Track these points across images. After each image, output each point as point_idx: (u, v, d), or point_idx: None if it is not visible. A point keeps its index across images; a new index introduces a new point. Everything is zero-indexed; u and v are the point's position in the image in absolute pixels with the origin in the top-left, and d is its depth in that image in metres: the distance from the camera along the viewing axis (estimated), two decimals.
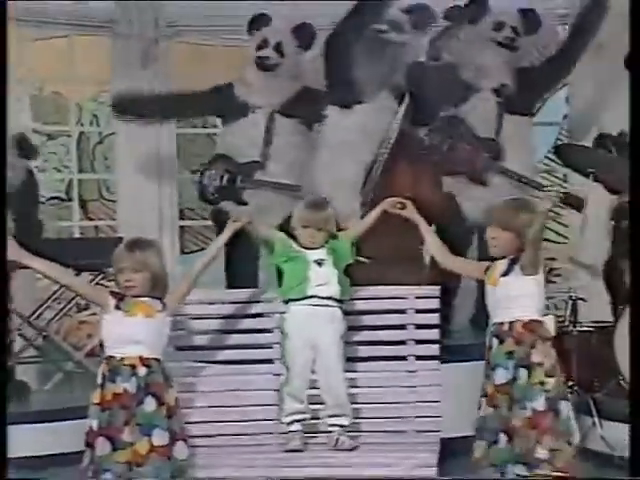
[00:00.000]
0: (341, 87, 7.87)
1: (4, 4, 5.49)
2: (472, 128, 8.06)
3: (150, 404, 4.69)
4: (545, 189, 8.38)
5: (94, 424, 4.70)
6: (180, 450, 4.72)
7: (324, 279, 5.16)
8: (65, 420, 7.02)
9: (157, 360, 4.76)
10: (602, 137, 7.93)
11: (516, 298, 4.92)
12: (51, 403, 7.56)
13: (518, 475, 4.84)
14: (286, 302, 5.21)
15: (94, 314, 9.23)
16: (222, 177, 8.04)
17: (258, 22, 8.14)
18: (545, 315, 5.05)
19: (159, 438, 4.66)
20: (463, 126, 8.10)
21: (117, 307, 4.79)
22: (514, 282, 4.92)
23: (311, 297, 5.14)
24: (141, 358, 4.72)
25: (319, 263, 5.17)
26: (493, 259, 5.01)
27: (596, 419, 6.93)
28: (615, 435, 6.88)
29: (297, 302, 5.16)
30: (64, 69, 9.55)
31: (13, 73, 8.24)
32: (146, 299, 4.78)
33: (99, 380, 4.76)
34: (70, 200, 9.93)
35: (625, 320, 7.18)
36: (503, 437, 4.82)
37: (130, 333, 4.75)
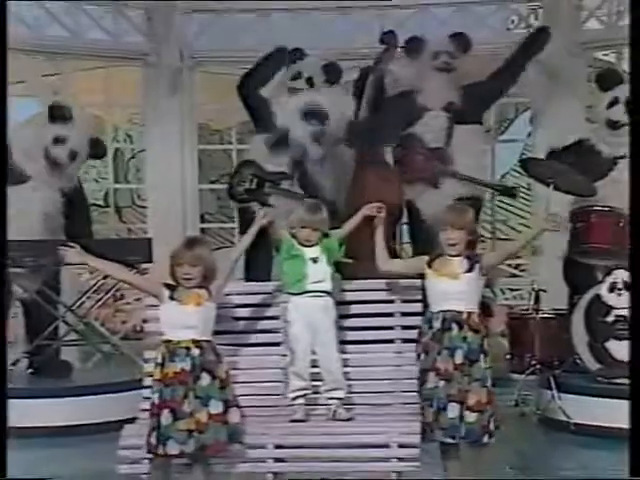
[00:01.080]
0: None
1: (4, 4, 5.27)
2: (425, 141, 8.10)
3: (205, 379, 4.77)
4: (490, 186, 8.39)
5: (156, 398, 4.76)
6: (234, 415, 4.80)
7: (320, 276, 5.16)
8: (103, 394, 7.09)
9: (208, 341, 4.83)
10: (553, 152, 7.94)
11: (473, 292, 4.99)
12: (91, 379, 7.61)
13: (469, 440, 4.90)
14: (288, 294, 5.21)
15: (127, 304, 9.28)
16: (251, 180, 8.01)
17: (292, 54, 8.13)
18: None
19: (215, 407, 4.75)
20: (416, 141, 8.13)
21: (171, 297, 4.85)
22: (475, 279, 4.97)
23: (309, 292, 5.15)
24: (194, 341, 4.79)
25: (314, 260, 5.17)
26: (437, 254, 5.05)
27: (555, 392, 6.98)
28: (571, 406, 6.93)
29: (297, 295, 5.16)
30: (103, 95, 9.61)
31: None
32: (196, 289, 4.84)
33: (159, 360, 4.82)
34: (107, 207, 9.97)
35: (580, 308, 7.21)
36: (455, 406, 4.87)
37: (184, 320, 4.82)
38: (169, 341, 4.81)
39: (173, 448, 4.71)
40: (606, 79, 7.97)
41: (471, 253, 5.00)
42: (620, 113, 7.69)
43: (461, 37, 8.25)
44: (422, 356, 5.01)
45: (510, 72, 8.35)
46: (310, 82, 8.22)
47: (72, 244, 5.17)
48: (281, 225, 5.37)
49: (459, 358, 4.90)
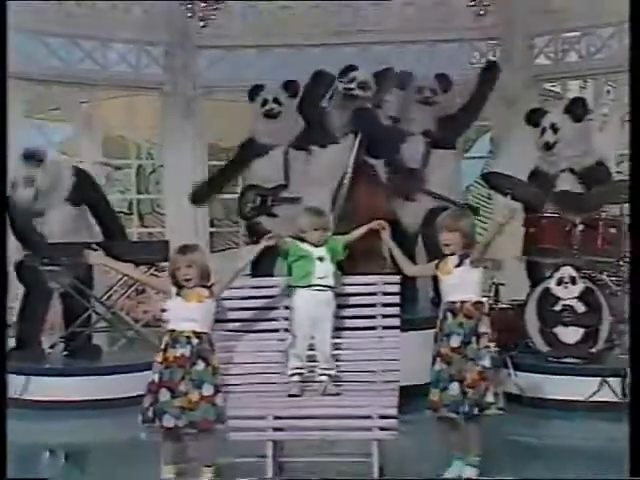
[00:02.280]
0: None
1: (4, 4, 4.95)
2: (405, 162, 8.09)
3: (200, 365, 4.74)
4: (455, 204, 8.35)
5: (156, 377, 4.73)
6: (220, 398, 4.76)
7: (324, 272, 5.13)
8: (128, 373, 7.06)
9: (206, 333, 4.81)
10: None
11: (466, 284, 4.93)
12: (118, 360, 7.57)
13: (468, 413, 4.84)
14: (295, 287, 5.17)
15: (148, 296, 9.25)
16: (254, 200, 8.07)
17: (256, 90, 8.11)
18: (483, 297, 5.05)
19: (207, 390, 4.72)
20: (397, 161, 8.12)
21: (177, 294, 4.83)
22: (465, 272, 4.93)
23: (314, 285, 5.12)
24: (194, 332, 4.77)
25: (320, 259, 5.14)
26: (443, 256, 5.01)
27: (511, 370, 6.99)
28: (524, 381, 6.92)
29: (304, 288, 5.13)
30: (126, 119, 9.58)
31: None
32: (198, 288, 4.81)
33: (162, 346, 4.79)
34: (131, 214, 9.95)
35: (532, 299, 7.20)
36: (455, 385, 4.82)
37: (187, 314, 4.79)
38: (173, 330, 4.80)
39: (169, 422, 4.70)
40: (532, 118, 8.07)
41: (465, 251, 4.94)
42: (550, 135, 7.80)
43: (445, 78, 8.26)
44: (434, 345, 4.97)
45: (475, 105, 8.35)
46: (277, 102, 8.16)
47: (95, 247, 5.19)
48: (286, 233, 5.35)
49: (455, 342, 4.87)
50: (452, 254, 4.96)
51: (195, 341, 4.76)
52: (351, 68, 8.21)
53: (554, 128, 7.84)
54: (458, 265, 4.93)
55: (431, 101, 8.17)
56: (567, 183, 7.78)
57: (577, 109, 7.91)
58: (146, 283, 5.29)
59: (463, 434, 4.98)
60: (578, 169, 7.81)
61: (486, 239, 5.01)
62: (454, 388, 4.84)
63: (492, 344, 4.93)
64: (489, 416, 4.90)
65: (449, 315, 4.90)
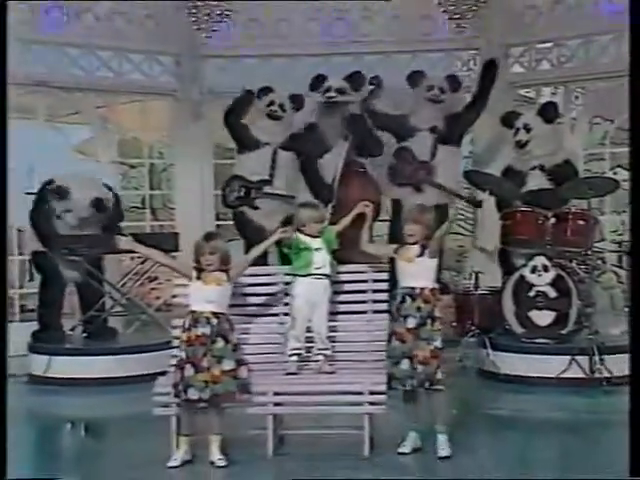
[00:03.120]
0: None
1: (4, 4, 4.66)
2: (415, 155, 8.06)
3: (220, 342, 4.72)
4: (461, 197, 8.34)
5: (183, 355, 4.70)
6: (242, 372, 4.74)
7: (321, 263, 5.07)
8: (141, 353, 7.02)
9: (223, 314, 4.77)
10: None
11: (425, 272, 4.90)
12: (132, 342, 7.53)
13: (417, 387, 4.84)
14: (295, 276, 5.11)
15: (160, 283, 9.20)
16: (239, 190, 8.01)
17: (265, 90, 8.09)
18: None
19: (228, 365, 4.70)
20: (409, 153, 8.09)
21: (198, 278, 4.79)
22: (425, 262, 4.89)
23: (313, 274, 5.06)
24: (213, 312, 4.74)
25: (318, 250, 5.08)
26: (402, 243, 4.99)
27: (490, 350, 6.96)
28: (500, 360, 6.89)
29: (303, 277, 5.07)
30: (140, 122, 9.51)
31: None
32: (216, 273, 4.78)
33: (186, 326, 4.75)
34: (144, 208, 9.87)
35: (509, 285, 7.15)
36: (406, 361, 4.81)
37: (206, 296, 4.76)
38: (194, 311, 4.77)
39: (193, 395, 4.68)
40: (507, 120, 8.01)
41: (425, 242, 4.92)
42: (523, 134, 7.75)
43: (454, 78, 8.21)
44: (390, 323, 4.94)
45: (478, 103, 8.29)
46: (282, 108, 8.16)
47: (125, 234, 5.17)
48: (268, 225, 5.29)
49: (411, 324, 4.84)
50: (414, 243, 4.92)
51: (214, 321, 4.73)
52: (321, 77, 8.20)
53: (527, 128, 7.80)
54: (419, 255, 4.90)
55: (440, 99, 8.12)
56: (537, 180, 7.74)
57: (548, 112, 7.87)
58: (170, 266, 5.20)
59: (425, 407, 4.95)
60: (548, 167, 7.76)
61: (440, 236, 5.01)
62: (405, 363, 4.82)
63: (442, 327, 4.92)
64: (438, 390, 4.85)
65: (408, 299, 4.87)
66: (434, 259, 4.94)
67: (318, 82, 8.19)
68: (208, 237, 4.87)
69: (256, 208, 8.05)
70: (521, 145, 7.81)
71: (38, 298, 7.66)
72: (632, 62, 4.17)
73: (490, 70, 8.28)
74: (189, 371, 4.68)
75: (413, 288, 4.87)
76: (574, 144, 8.70)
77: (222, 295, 4.80)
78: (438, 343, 4.85)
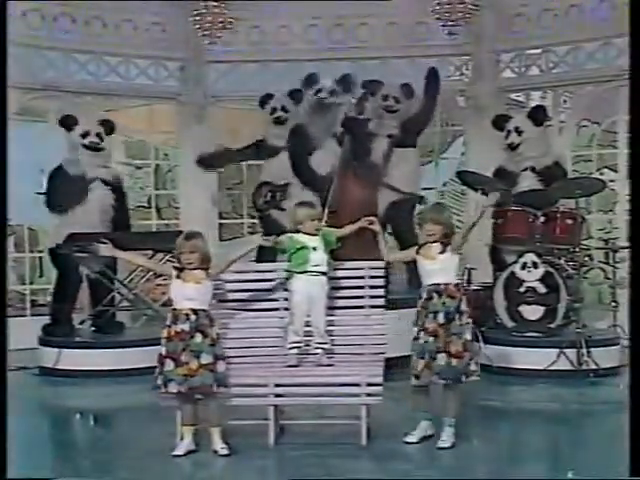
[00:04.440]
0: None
1: (4, 4, 4.61)
2: (372, 159, 7.97)
3: (198, 337, 4.67)
4: (409, 194, 8.15)
5: (163, 350, 4.69)
6: (220, 366, 4.69)
7: (318, 261, 5.04)
8: (147, 346, 6.96)
9: (203, 310, 4.72)
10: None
11: (448, 269, 4.88)
12: (138, 335, 7.51)
13: (454, 380, 4.83)
14: (293, 273, 5.08)
15: (166, 279, 9.16)
16: (266, 195, 8.03)
17: (265, 99, 8.05)
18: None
19: (205, 359, 4.65)
20: (368, 158, 8.02)
21: (178, 277, 4.75)
22: (447, 258, 4.86)
23: (309, 272, 5.03)
24: (192, 309, 4.69)
25: (315, 249, 5.05)
26: (421, 243, 4.95)
27: (482, 343, 6.93)
28: (492, 353, 6.87)
29: (301, 274, 5.05)
30: (146, 125, 9.49)
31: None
32: (196, 271, 4.73)
33: (167, 322, 4.74)
34: (150, 208, 9.85)
35: (500, 281, 7.14)
36: (442, 355, 4.77)
37: (186, 293, 4.72)
38: (175, 309, 4.75)
39: (173, 387, 4.67)
40: (498, 122, 7.96)
41: (445, 240, 4.88)
42: (514, 137, 7.73)
43: (408, 87, 8.12)
44: (417, 321, 4.90)
45: (428, 107, 8.17)
46: (285, 110, 8.12)
47: (105, 240, 5.12)
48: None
49: (441, 319, 4.80)
50: (434, 242, 4.89)
51: (193, 317, 4.68)
52: (313, 76, 8.15)
53: (518, 131, 7.78)
54: (441, 252, 4.87)
55: (395, 109, 8.02)
56: (528, 180, 7.72)
57: (538, 115, 7.85)
58: (150, 267, 5.22)
59: (439, 399, 4.91)
60: (538, 168, 7.74)
61: (465, 229, 4.98)
62: (441, 358, 4.78)
63: (470, 320, 4.89)
64: (470, 382, 4.85)
65: (435, 295, 4.83)
66: (456, 256, 4.91)
67: (310, 82, 8.15)
68: (188, 236, 4.80)
69: (283, 210, 8.03)
70: (513, 147, 7.79)
71: (53, 293, 7.63)
72: (632, 62, 4.14)
73: (433, 77, 8.18)
74: (169, 365, 4.66)
75: (439, 284, 4.83)
76: (562, 146, 8.69)
77: (202, 293, 4.75)
78: (468, 336, 4.83)
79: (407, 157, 8.03)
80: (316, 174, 7.86)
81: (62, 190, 7.46)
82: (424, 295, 4.86)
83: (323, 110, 8.02)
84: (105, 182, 7.56)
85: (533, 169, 7.73)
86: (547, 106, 8.52)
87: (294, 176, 7.99)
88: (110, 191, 7.57)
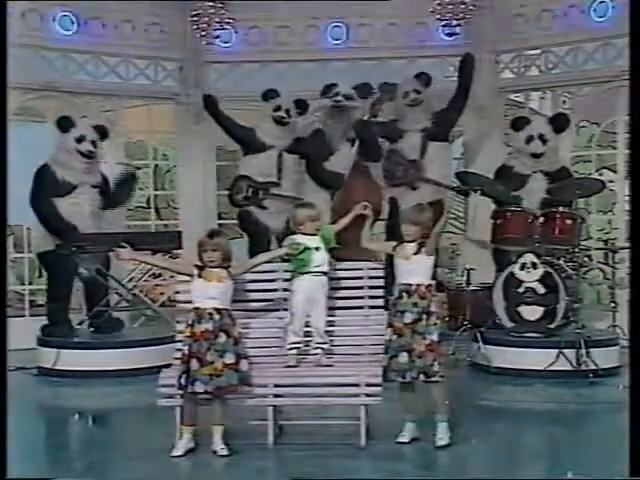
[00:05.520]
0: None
1: (4, 4, 4.50)
2: (404, 154, 8.04)
3: (222, 337, 4.70)
4: (451, 188, 8.25)
5: (186, 350, 4.69)
6: (243, 365, 4.73)
7: (319, 261, 5.04)
8: (146, 346, 7.00)
9: (226, 309, 4.75)
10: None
11: (421, 269, 4.89)
12: (137, 335, 7.51)
13: (415, 379, 4.82)
14: (294, 274, 5.08)
15: (164, 280, 9.19)
16: (247, 190, 8.01)
17: (271, 93, 8.07)
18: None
19: (229, 358, 4.68)
20: (398, 154, 8.07)
21: (199, 275, 4.76)
22: (421, 259, 4.88)
23: (311, 272, 5.03)
24: (215, 308, 4.71)
25: (317, 249, 5.05)
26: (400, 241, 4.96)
27: (481, 344, 6.94)
28: (491, 354, 6.87)
29: (302, 274, 5.04)
30: (145, 125, 9.48)
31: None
32: (218, 270, 4.75)
33: (190, 322, 4.73)
34: (149, 208, 9.86)
35: (499, 281, 7.13)
36: (404, 354, 4.79)
37: (209, 292, 4.73)
38: (197, 308, 4.74)
39: (199, 387, 4.67)
40: (517, 123, 7.95)
41: (422, 240, 4.90)
42: (538, 146, 7.72)
43: (425, 75, 8.20)
44: (388, 317, 4.92)
45: (461, 97, 8.25)
46: (288, 114, 8.17)
47: (124, 244, 5.11)
48: (275, 226, 5.26)
49: (408, 319, 4.82)
50: (411, 242, 4.90)
51: (217, 317, 4.70)
52: (333, 85, 8.22)
53: (543, 139, 7.73)
54: (416, 253, 4.89)
55: (418, 102, 8.11)
56: (538, 182, 7.72)
57: (560, 122, 7.83)
58: (171, 269, 5.21)
59: (423, 398, 4.92)
60: (549, 170, 7.75)
61: (436, 235, 5.00)
62: (403, 356, 4.80)
63: (439, 321, 4.90)
64: (434, 382, 4.83)
65: (405, 295, 4.85)
66: (430, 257, 4.92)
67: (328, 89, 8.22)
68: (211, 234, 4.83)
69: (264, 208, 8.05)
70: (536, 156, 7.75)
71: (47, 295, 7.64)
72: (632, 62, 4.14)
73: (467, 64, 8.24)
74: (195, 365, 4.66)
75: (410, 284, 4.85)
76: (563, 147, 8.68)
77: (224, 291, 4.77)
78: (434, 337, 4.83)
79: (440, 151, 8.08)
80: (331, 171, 7.91)
81: (48, 191, 7.39)
82: (396, 294, 4.88)
83: (339, 113, 8.09)
84: (94, 186, 7.54)
85: (543, 172, 7.74)
86: (546, 107, 8.51)
87: (310, 177, 8.03)
88: (98, 194, 7.55)
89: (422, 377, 4.80)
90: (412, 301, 4.82)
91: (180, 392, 4.74)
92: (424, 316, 4.82)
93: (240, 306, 5.16)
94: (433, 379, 4.82)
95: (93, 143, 7.50)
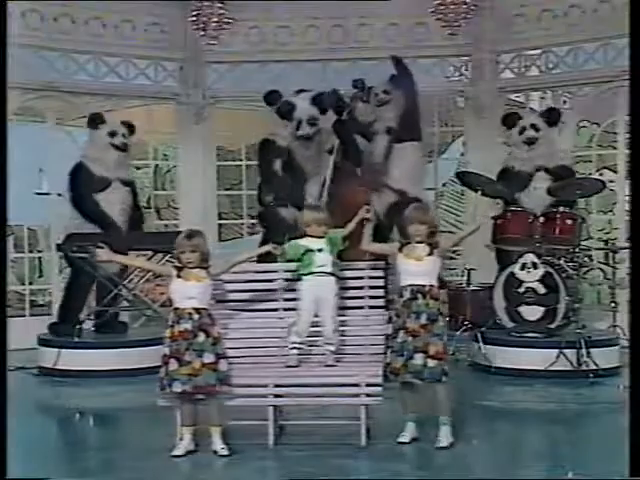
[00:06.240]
0: None
1: (4, 4, 4.47)
2: (372, 157, 7.99)
3: (201, 337, 4.67)
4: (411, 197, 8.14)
5: (167, 350, 4.68)
6: (222, 365, 4.69)
7: (323, 262, 5.02)
8: (147, 346, 6.99)
9: (205, 309, 4.72)
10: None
11: (433, 271, 4.88)
12: (138, 335, 7.51)
13: (431, 380, 4.82)
14: (300, 275, 5.07)
15: (164, 280, 9.17)
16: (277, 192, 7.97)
17: (274, 95, 8.01)
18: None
19: (208, 358, 4.64)
20: (365, 156, 8.04)
21: (178, 276, 4.75)
22: (434, 261, 4.87)
23: (315, 273, 5.02)
24: (195, 308, 4.69)
25: (320, 250, 5.03)
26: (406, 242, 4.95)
27: (481, 344, 6.95)
28: (492, 354, 6.88)
29: (307, 276, 5.04)
30: (146, 125, 9.47)
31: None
32: (196, 270, 4.73)
33: (170, 322, 4.73)
34: (150, 208, 9.86)
35: (499, 282, 7.14)
36: (420, 355, 4.77)
37: (187, 292, 4.71)
38: (177, 308, 4.74)
39: (177, 387, 4.67)
40: (509, 120, 7.96)
41: (432, 241, 4.89)
42: (531, 132, 7.74)
43: (394, 78, 8.17)
44: (394, 319, 4.89)
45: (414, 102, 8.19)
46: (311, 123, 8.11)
47: (102, 245, 5.11)
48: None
49: (424, 320, 4.81)
50: (420, 242, 4.90)
51: (196, 316, 4.69)
52: (291, 107, 7.98)
53: (535, 127, 7.78)
54: (429, 254, 4.87)
55: (385, 101, 8.08)
56: (542, 181, 7.72)
57: (552, 115, 7.87)
58: (150, 269, 5.21)
59: (429, 398, 4.92)
60: (551, 168, 7.76)
61: (462, 235, 5.00)
62: (418, 358, 4.78)
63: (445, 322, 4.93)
64: (442, 383, 4.83)
65: (419, 296, 4.83)
66: (440, 258, 4.91)
67: (288, 111, 8.03)
68: (189, 235, 4.79)
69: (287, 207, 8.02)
70: (530, 142, 7.76)
71: (66, 291, 7.62)
72: (632, 62, 4.14)
73: (405, 74, 8.20)
74: (173, 365, 4.66)
75: (423, 286, 4.83)
76: (564, 146, 8.69)
77: (203, 291, 4.75)
78: (445, 338, 4.85)
79: (407, 152, 8.03)
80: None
81: (87, 188, 7.51)
82: (407, 295, 4.84)
83: (307, 144, 8.03)
84: (124, 182, 7.65)
85: (546, 169, 7.74)
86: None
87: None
88: (128, 192, 7.63)
89: (442, 378, 4.79)
90: (426, 302, 4.81)
91: (162, 392, 4.72)
92: (439, 317, 4.82)
93: (240, 306, 5.17)
94: (445, 379, 4.82)
95: (124, 136, 7.70)
